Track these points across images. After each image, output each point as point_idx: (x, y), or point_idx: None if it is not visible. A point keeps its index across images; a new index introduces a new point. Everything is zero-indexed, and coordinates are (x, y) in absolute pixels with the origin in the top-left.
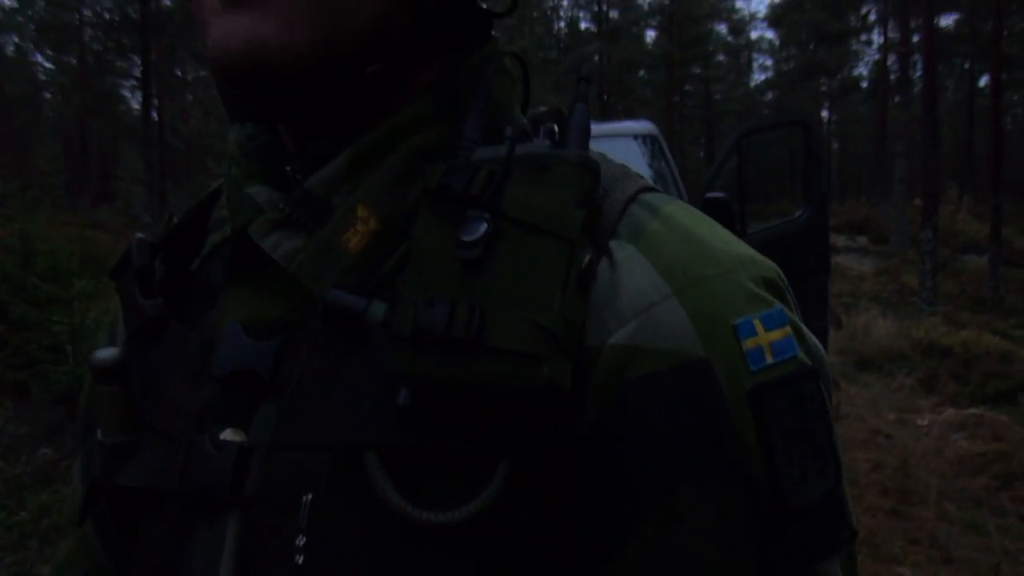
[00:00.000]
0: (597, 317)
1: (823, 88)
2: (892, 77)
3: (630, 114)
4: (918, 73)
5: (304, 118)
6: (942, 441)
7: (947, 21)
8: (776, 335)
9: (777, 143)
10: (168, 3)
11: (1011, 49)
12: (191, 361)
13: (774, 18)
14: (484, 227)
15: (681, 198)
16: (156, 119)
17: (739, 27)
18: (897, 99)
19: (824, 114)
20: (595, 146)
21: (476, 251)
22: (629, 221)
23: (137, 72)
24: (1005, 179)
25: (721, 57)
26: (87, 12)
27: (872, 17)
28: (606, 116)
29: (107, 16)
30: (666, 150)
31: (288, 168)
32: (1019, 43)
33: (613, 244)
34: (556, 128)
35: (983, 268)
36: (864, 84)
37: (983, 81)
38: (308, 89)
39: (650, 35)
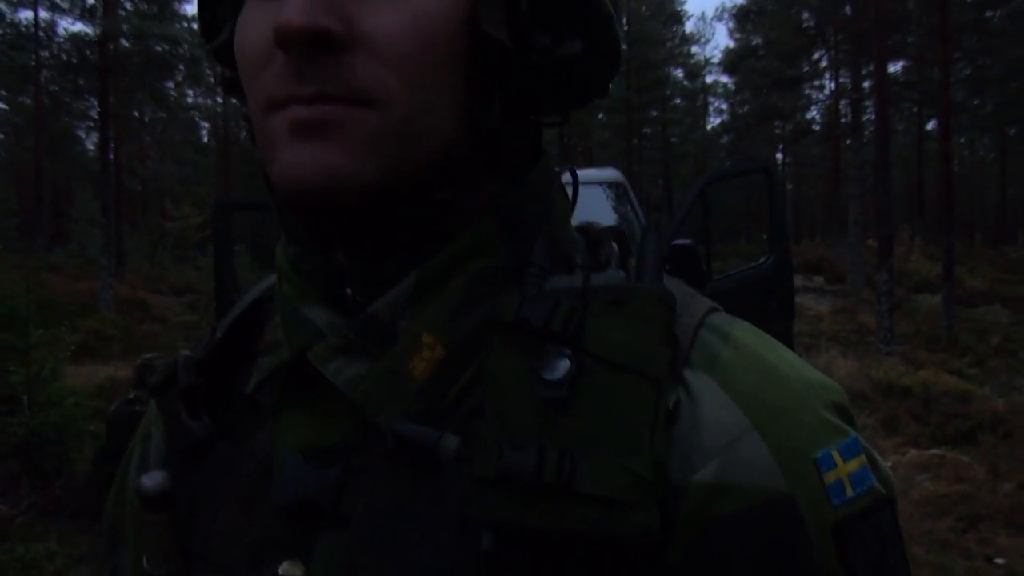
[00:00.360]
0: (680, 452)
1: (777, 131)
2: (843, 121)
3: (589, 156)
4: (868, 117)
5: (368, 242)
6: (907, 483)
7: (895, 68)
8: (853, 465)
9: (733, 186)
10: (127, 45)
11: (957, 95)
12: (245, 488)
13: (729, 64)
14: (567, 365)
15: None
16: (113, 161)
17: (695, 72)
18: (849, 142)
19: (779, 156)
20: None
21: (561, 391)
22: (701, 348)
23: (94, 113)
24: (955, 220)
25: (678, 101)
26: (44, 53)
27: (824, 63)
28: (566, 159)
29: (65, 58)
30: (632, 197)
31: (348, 290)
32: (964, 89)
33: (689, 375)
34: (616, 247)
35: (937, 307)
36: (817, 128)
37: (931, 125)
38: (377, 216)
39: None
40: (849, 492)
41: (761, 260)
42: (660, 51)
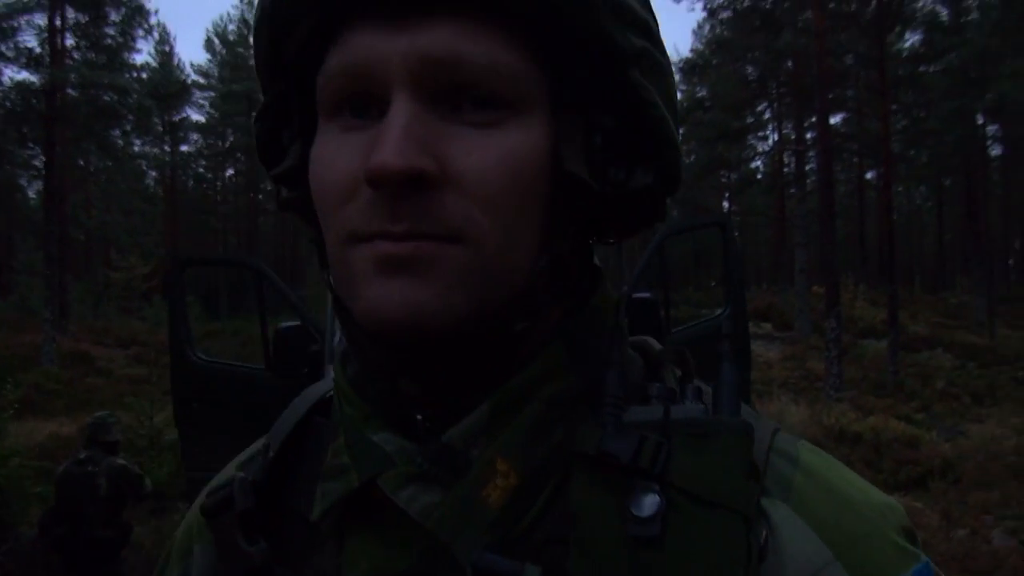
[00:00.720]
0: None
1: (724, 180)
2: (787, 171)
3: None
4: (811, 167)
5: (444, 371)
6: None
7: (836, 120)
8: None
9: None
10: (75, 94)
11: (894, 147)
12: None
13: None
14: (657, 501)
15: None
16: (57, 210)
17: None
18: (793, 191)
19: (725, 205)
20: None
21: (652, 528)
22: (774, 475)
23: (37, 162)
24: (896, 267)
25: None
26: None
27: (767, 116)
28: None
29: (9, 106)
30: None
31: (419, 417)
32: (901, 141)
33: (767, 504)
34: (681, 372)
35: (882, 352)
36: (761, 177)
37: (870, 175)
38: (458, 348)
39: None
40: None
41: (718, 312)
42: None
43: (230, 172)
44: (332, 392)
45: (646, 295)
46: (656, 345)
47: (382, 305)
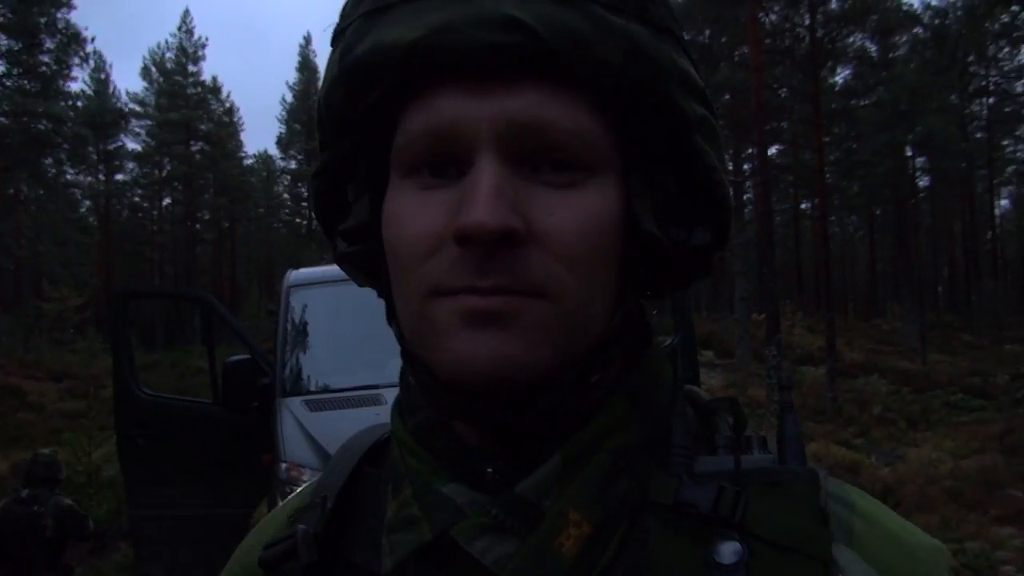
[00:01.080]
0: None
1: None
2: None
3: None
4: (748, 197)
5: (519, 423)
6: None
7: (772, 152)
8: None
9: None
10: (6, 122)
11: (828, 178)
12: None
13: None
14: (739, 548)
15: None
16: None
17: None
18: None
19: None
20: None
21: (736, 575)
22: (835, 520)
23: None
24: (832, 295)
25: None
26: None
27: None
28: None
29: None
30: None
31: (489, 469)
32: (834, 172)
33: (833, 548)
34: (733, 420)
35: (820, 379)
36: None
37: (805, 205)
38: (539, 400)
39: None
40: None
41: (668, 340)
42: None
43: (167, 201)
44: (378, 442)
45: None
46: (703, 394)
47: (470, 358)
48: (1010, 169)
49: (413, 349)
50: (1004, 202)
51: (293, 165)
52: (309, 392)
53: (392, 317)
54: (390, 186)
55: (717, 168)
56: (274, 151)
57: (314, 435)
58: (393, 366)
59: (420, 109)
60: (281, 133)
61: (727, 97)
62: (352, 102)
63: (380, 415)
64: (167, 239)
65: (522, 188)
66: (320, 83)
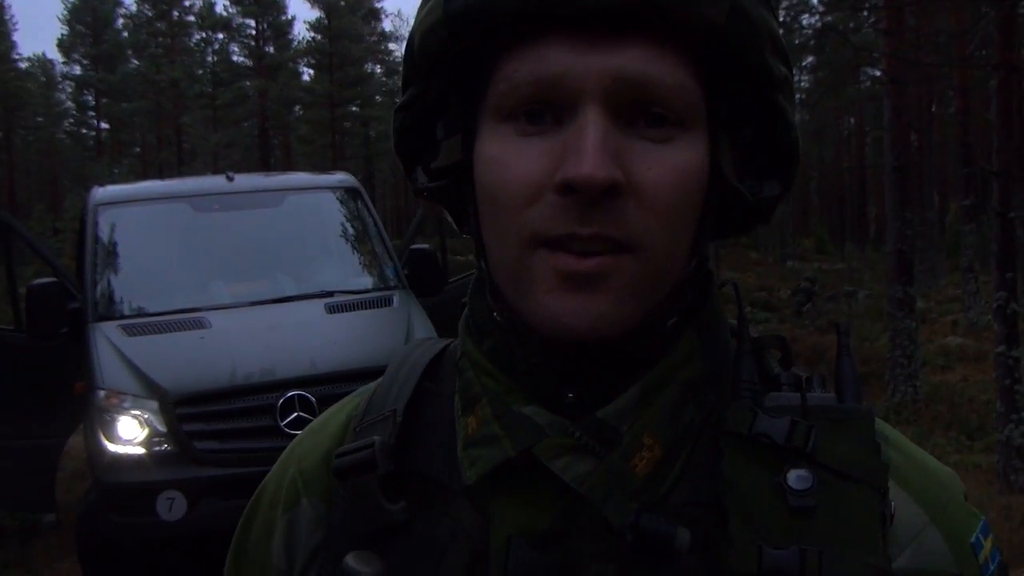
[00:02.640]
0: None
1: None
2: None
3: (288, 151)
4: None
5: (605, 363)
6: None
7: None
8: (989, 544)
9: None
10: None
11: None
12: (462, 570)
13: None
14: (810, 477)
15: (387, 249)
16: None
17: (394, 69)
18: None
19: None
20: (292, 199)
21: (809, 499)
22: None
23: None
24: None
25: (379, 98)
26: None
27: None
28: (265, 151)
29: None
30: (368, 202)
31: (570, 395)
32: None
33: None
34: (781, 356)
35: None
36: None
37: None
38: (625, 347)
39: (307, 73)
40: (992, 567)
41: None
42: (360, 47)
43: None
44: (434, 359)
45: (424, 247)
46: (749, 331)
47: (564, 316)
48: (796, 97)
49: (505, 290)
50: None
51: (77, 70)
52: (124, 316)
53: (480, 254)
54: (485, 129)
55: (794, 125)
56: (54, 54)
57: (134, 361)
58: (214, 288)
59: (526, 58)
60: (63, 34)
61: None
62: (451, 45)
63: (204, 339)
64: None
65: (621, 140)
66: (416, 20)
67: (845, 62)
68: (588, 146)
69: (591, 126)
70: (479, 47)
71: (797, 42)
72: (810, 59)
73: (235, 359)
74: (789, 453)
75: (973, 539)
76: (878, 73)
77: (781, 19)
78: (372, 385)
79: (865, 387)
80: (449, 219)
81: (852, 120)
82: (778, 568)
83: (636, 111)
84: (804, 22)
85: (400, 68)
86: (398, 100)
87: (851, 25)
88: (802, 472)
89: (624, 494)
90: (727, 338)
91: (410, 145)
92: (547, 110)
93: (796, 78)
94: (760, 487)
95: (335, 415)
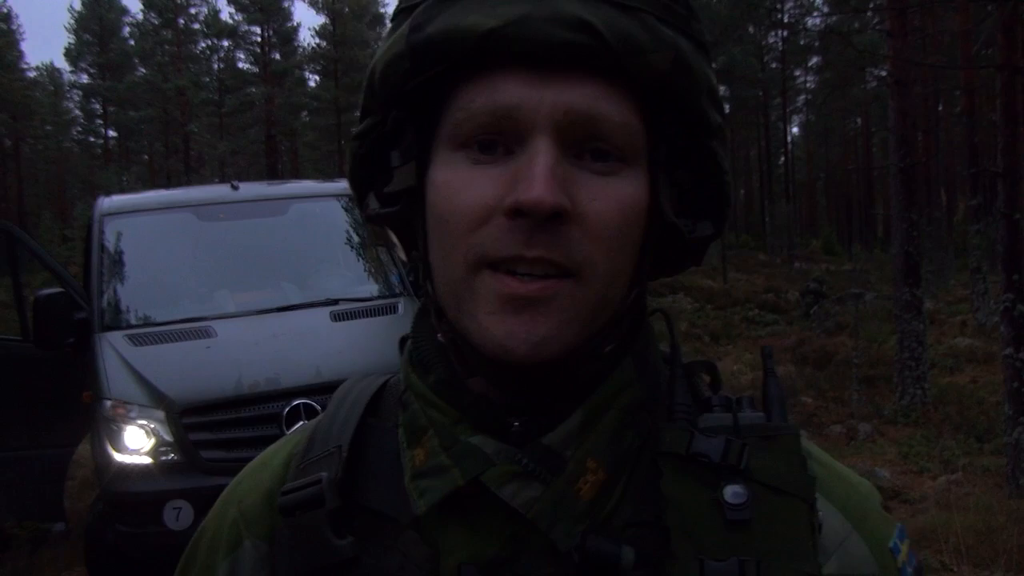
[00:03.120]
0: None
1: None
2: None
3: (295, 156)
4: None
5: (546, 387)
6: None
7: None
8: (905, 547)
9: None
10: None
11: None
12: None
13: None
14: (744, 491)
15: (392, 256)
16: None
17: None
18: None
19: None
20: (297, 207)
21: (744, 513)
22: None
23: None
24: None
25: None
26: None
27: None
28: (272, 157)
29: None
30: None
31: (516, 423)
32: None
33: None
34: (710, 379)
35: None
36: None
37: None
38: (564, 370)
39: (313, 79)
40: (909, 569)
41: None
42: (365, 53)
43: None
44: (375, 393)
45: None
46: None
47: (505, 339)
48: (800, 98)
49: (448, 311)
50: (795, 129)
51: (84, 79)
52: (130, 326)
53: (427, 277)
54: (439, 156)
55: (727, 170)
56: (61, 63)
57: (140, 371)
58: (219, 298)
59: (482, 89)
60: (70, 43)
61: None
62: (413, 76)
63: (210, 348)
64: None
65: (568, 171)
66: (378, 52)
67: (850, 63)
68: (538, 172)
69: (541, 155)
70: (438, 78)
71: (802, 43)
72: (815, 60)
73: (241, 368)
74: (724, 470)
75: (891, 544)
76: (883, 74)
77: (786, 20)
78: (312, 422)
79: (873, 390)
80: (396, 242)
81: (858, 120)
82: None
83: (583, 145)
84: (809, 24)
85: None
86: (354, 130)
87: (855, 26)
88: (737, 488)
89: (570, 518)
90: (659, 364)
91: (364, 172)
92: (500, 140)
93: (802, 79)
94: (699, 503)
95: (275, 454)
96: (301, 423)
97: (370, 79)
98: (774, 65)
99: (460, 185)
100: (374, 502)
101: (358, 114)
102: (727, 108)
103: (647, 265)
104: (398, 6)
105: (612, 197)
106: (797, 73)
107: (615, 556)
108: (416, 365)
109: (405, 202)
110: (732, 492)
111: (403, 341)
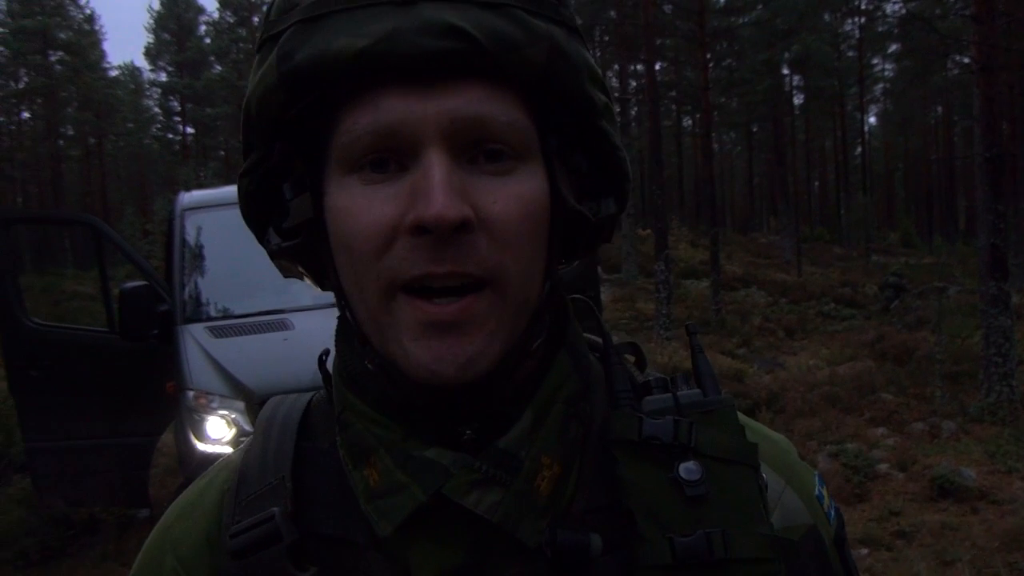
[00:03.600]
0: None
1: None
2: None
3: None
4: (633, 114)
5: (483, 397)
6: None
7: (656, 69)
8: (826, 492)
9: None
10: None
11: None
12: None
13: None
14: (698, 468)
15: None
16: None
17: None
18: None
19: None
20: None
21: (701, 488)
22: None
23: None
24: (714, 211)
25: None
26: None
27: None
28: None
29: None
30: None
31: (468, 432)
32: (714, 90)
33: None
34: (635, 359)
35: (704, 292)
36: None
37: (686, 122)
38: (497, 379)
39: None
40: (832, 513)
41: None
42: None
43: (26, 115)
44: (302, 414)
45: None
46: (597, 340)
47: (432, 364)
48: (878, 87)
49: (372, 339)
50: (872, 119)
51: (163, 77)
52: (210, 318)
53: (343, 306)
54: (331, 183)
55: (619, 146)
56: (141, 62)
57: (221, 362)
58: (296, 290)
59: (365, 110)
60: (149, 43)
61: (613, 14)
62: (290, 106)
63: (289, 340)
64: (28, 156)
65: (465, 178)
66: (250, 85)
67: (932, 50)
68: (435, 186)
69: (435, 167)
70: (317, 103)
71: (880, 30)
72: (894, 47)
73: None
74: (676, 449)
75: (817, 492)
76: (967, 60)
77: (864, 7)
78: (236, 454)
79: (957, 387)
80: (308, 278)
81: (939, 109)
82: (690, 554)
83: (475, 149)
84: (888, 10)
85: None
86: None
87: (937, 12)
88: (690, 464)
89: (533, 515)
90: (586, 350)
91: (258, 209)
92: (391, 157)
93: (879, 67)
94: (657, 484)
95: (204, 493)
96: (222, 460)
97: (246, 113)
98: (850, 53)
99: (358, 210)
100: (327, 528)
101: (243, 151)
102: (801, 98)
103: (557, 255)
104: (262, 35)
105: (512, 196)
106: (875, 61)
107: (585, 544)
108: (348, 382)
109: (306, 234)
110: (686, 469)
111: (321, 357)
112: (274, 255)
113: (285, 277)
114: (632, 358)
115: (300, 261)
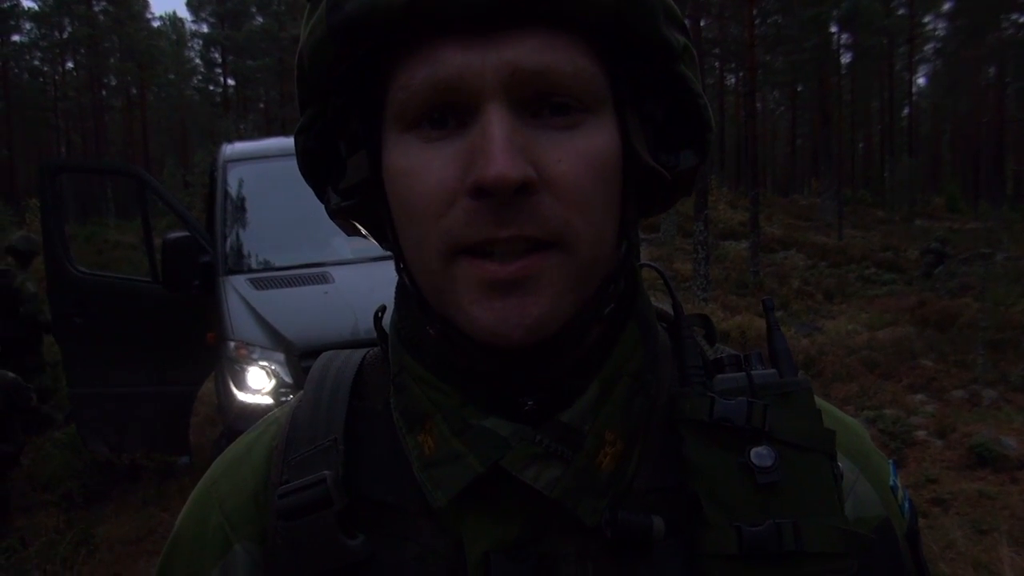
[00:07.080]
0: None
1: None
2: None
3: None
4: None
5: (551, 363)
6: None
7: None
8: (900, 483)
9: None
10: None
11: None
12: None
13: None
14: (772, 453)
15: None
16: None
17: None
18: None
19: None
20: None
21: (774, 475)
22: None
23: None
24: (755, 171)
25: None
26: None
27: None
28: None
29: None
30: None
31: (530, 402)
32: (760, 47)
33: None
34: (705, 333)
35: (743, 253)
36: None
37: (730, 80)
38: (566, 344)
39: None
40: (906, 506)
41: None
42: None
43: (69, 65)
44: (357, 373)
45: None
46: (670, 311)
47: (496, 326)
48: (929, 46)
49: (432, 302)
50: (921, 80)
51: (205, 28)
52: (252, 270)
53: (402, 267)
54: (390, 141)
55: (701, 93)
56: (184, 13)
57: (262, 314)
58: (337, 244)
59: (420, 63)
60: None
61: None
62: (341, 59)
63: (329, 293)
64: (72, 106)
65: (528, 134)
66: (301, 38)
67: (987, 8)
68: (495, 146)
69: (495, 124)
70: (372, 58)
71: None
72: (948, 5)
73: (357, 313)
74: (748, 433)
75: (892, 483)
76: (1023, 20)
77: None
78: (285, 409)
79: (1001, 355)
80: (369, 237)
81: (992, 70)
82: (758, 545)
83: (539, 102)
84: None
85: None
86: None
87: None
88: (762, 450)
89: (594, 493)
90: (655, 321)
91: (317, 167)
92: (450, 113)
93: (931, 25)
94: (726, 469)
95: (252, 448)
96: (272, 414)
97: (300, 67)
98: (901, 11)
99: (416, 171)
100: (378, 493)
101: (299, 108)
102: (848, 57)
103: (633, 213)
104: None
105: (580, 153)
106: (927, 19)
107: (648, 526)
108: (407, 344)
109: (364, 193)
110: (758, 455)
111: (378, 314)
112: (333, 215)
113: (348, 236)
114: (701, 330)
115: (360, 220)
